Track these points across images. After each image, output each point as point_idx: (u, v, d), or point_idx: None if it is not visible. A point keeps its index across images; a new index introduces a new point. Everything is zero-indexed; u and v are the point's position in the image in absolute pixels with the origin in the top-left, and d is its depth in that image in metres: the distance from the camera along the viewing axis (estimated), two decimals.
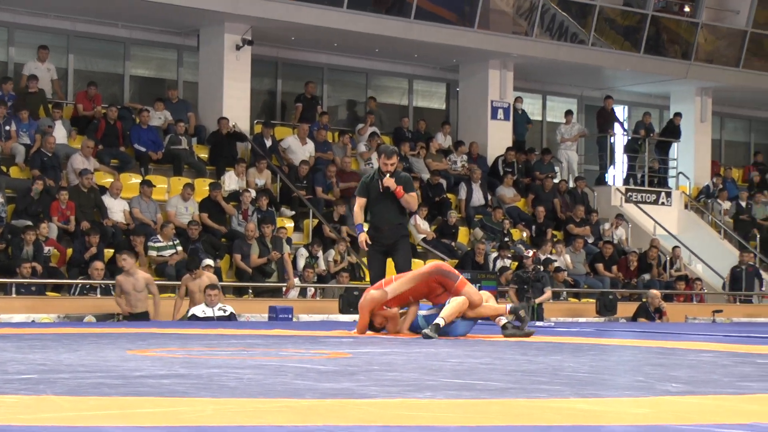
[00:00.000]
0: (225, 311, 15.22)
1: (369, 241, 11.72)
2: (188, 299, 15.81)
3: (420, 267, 11.10)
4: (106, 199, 18.57)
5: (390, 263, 11.87)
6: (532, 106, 27.49)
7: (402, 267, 11.52)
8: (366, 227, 11.88)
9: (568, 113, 26.45)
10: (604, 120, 26.46)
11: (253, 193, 19.85)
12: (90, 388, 4.74)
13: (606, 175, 26.66)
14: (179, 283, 16.50)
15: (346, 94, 25.66)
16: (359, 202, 11.92)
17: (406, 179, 11.89)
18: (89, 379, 5.17)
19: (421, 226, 21.36)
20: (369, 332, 10.50)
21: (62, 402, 4.17)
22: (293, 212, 20.84)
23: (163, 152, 20.65)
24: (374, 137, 23.19)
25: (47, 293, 16.70)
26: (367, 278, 13.39)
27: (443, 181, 22.87)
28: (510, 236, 22.12)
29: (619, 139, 27.35)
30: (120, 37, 22.48)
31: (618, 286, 21.96)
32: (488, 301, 10.56)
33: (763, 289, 24.07)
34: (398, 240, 11.81)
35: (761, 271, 24.32)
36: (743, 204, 26.83)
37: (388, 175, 11.65)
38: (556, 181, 24.77)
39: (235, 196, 19.87)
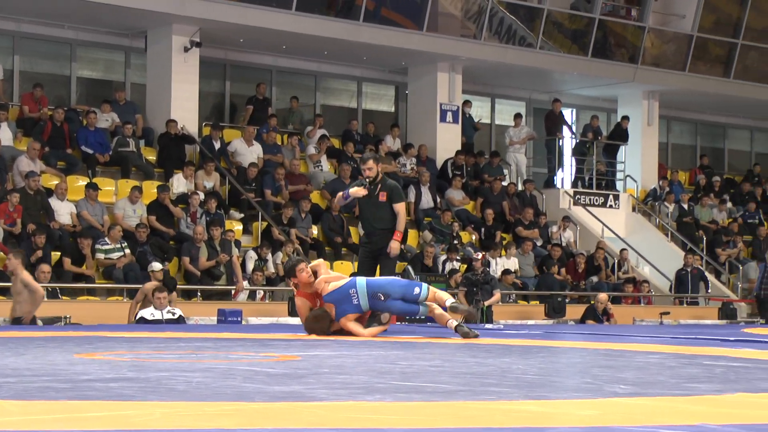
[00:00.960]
0: (174, 314, 15.14)
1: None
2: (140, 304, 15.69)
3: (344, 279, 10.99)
4: (53, 202, 18.41)
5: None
6: (480, 109, 27.56)
7: (386, 273, 11.71)
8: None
9: (517, 116, 26.52)
10: (553, 123, 26.59)
11: (202, 196, 19.75)
12: (37, 392, 4.70)
13: (554, 177, 26.81)
14: (127, 285, 16.33)
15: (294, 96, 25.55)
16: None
17: (392, 187, 11.99)
18: (36, 383, 5.13)
19: None
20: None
21: (9, 406, 4.13)
22: (242, 215, 20.76)
23: (111, 154, 20.49)
24: (323, 139, 23.15)
25: None
26: None
27: None
28: (459, 239, 22.17)
29: (567, 142, 27.50)
30: (66, 38, 22.29)
31: (566, 289, 22.06)
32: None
33: (709, 291, 24.27)
34: (387, 245, 11.95)
35: (706, 274, 24.52)
36: (685, 207, 27.03)
37: (368, 182, 11.80)
38: (504, 183, 24.84)
39: (183, 199, 19.76)
